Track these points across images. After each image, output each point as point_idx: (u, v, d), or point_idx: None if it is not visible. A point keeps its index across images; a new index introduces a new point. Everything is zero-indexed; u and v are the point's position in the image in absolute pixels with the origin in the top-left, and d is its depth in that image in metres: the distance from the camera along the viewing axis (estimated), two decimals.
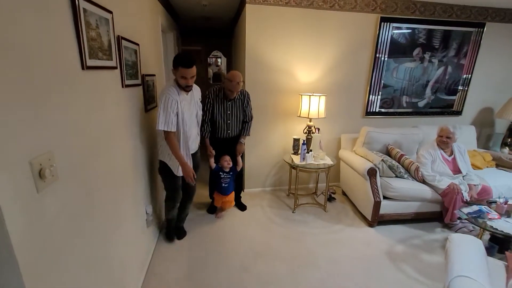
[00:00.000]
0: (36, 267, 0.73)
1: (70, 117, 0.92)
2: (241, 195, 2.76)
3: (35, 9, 0.77)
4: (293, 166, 2.56)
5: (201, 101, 2.01)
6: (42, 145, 0.78)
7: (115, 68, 1.28)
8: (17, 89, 0.70)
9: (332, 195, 2.89)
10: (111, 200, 1.21)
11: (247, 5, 2.51)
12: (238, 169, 2.38)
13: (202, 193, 2.93)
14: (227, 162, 2.31)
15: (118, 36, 1.33)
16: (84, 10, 1.00)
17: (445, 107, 3.13)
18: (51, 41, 0.83)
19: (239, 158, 2.38)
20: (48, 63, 0.81)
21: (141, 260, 1.69)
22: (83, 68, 0.99)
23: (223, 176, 2.34)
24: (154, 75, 2.11)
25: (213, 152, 2.30)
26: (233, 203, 2.46)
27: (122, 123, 1.38)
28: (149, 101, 1.96)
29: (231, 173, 2.34)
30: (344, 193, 2.96)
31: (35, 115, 0.75)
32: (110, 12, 1.22)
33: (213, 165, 2.34)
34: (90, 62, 1.03)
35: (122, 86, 1.38)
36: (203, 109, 2.23)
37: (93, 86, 1.08)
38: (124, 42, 1.38)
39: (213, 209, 2.53)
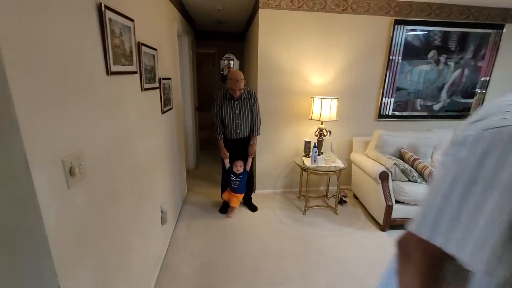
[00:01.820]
0: (66, 257, 0.79)
1: (96, 118, 0.97)
2: (252, 196, 2.81)
3: (68, 21, 0.84)
4: (304, 169, 2.58)
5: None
6: (72, 144, 0.84)
7: (135, 72, 1.33)
8: (53, 93, 0.76)
9: (343, 198, 2.89)
10: (130, 196, 1.26)
11: (260, 9, 2.56)
12: (248, 168, 2.43)
13: (214, 193, 2.98)
14: (237, 167, 2.38)
15: (138, 42, 1.38)
16: (110, 20, 1.06)
17: (462, 111, 3.05)
18: (81, 49, 0.90)
19: (249, 160, 2.42)
20: (78, 69, 0.88)
21: (155, 256, 1.74)
22: (107, 74, 1.04)
23: (233, 178, 2.40)
24: (170, 78, 2.17)
25: (227, 154, 2.35)
26: (238, 203, 2.48)
27: (141, 124, 1.42)
28: (166, 103, 2.00)
29: (241, 176, 2.40)
30: (355, 197, 2.96)
31: (66, 115, 0.81)
32: (132, 20, 1.29)
33: (228, 165, 2.40)
34: (114, 68, 1.09)
35: (141, 90, 1.43)
36: (212, 112, 2.28)
37: (116, 89, 1.12)
38: (143, 48, 1.44)
39: (224, 209, 2.58)
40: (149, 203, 1.58)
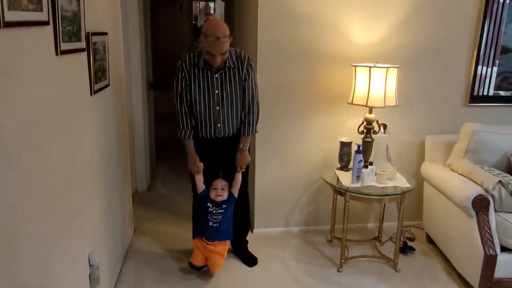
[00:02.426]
0: None
1: None
2: (247, 239, 2.78)
3: None
4: (339, 191, 2.55)
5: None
6: None
7: (46, 23, 1.32)
8: None
9: (409, 243, 2.84)
10: (32, 238, 1.22)
11: None
12: (235, 192, 2.42)
13: (180, 233, 2.98)
14: (218, 190, 2.36)
15: None
16: None
17: None
18: None
19: (239, 176, 2.42)
20: None
21: None
22: None
23: (212, 209, 2.38)
24: (105, 33, 2.16)
25: (201, 165, 2.37)
26: (221, 262, 2.47)
27: (54, 113, 1.42)
28: (98, 77, 1.97)
29: (224, 206, 2.38)
30: (429, 239, 2.94)
31: None
32: None
33: (201, 187, 2.40)
34: (10, 16, 1.08)
35: (57, 53, 1.43)
36: (175, 88, 2.31)
37: (11, 52, 1.12)
38: None
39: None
40: (67, 250, 1.57)
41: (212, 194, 2.36)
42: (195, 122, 2.36)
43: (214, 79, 2.28)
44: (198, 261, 2.45)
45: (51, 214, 1.42)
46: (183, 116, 2.33)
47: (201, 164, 2.36)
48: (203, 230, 2.42)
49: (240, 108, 2.36)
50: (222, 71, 2.28)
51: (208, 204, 2.37)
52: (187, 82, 2.28)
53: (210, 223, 2.37)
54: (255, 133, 2.44)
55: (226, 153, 2.42)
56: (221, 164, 2.46)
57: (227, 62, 2.25)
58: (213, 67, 2.24)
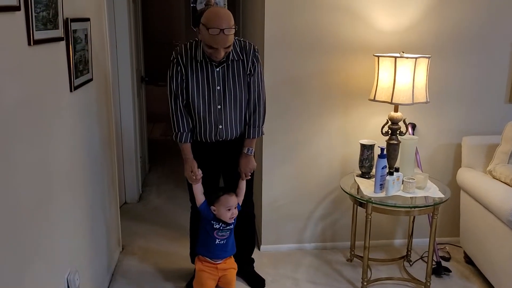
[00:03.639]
0: None
1: None
2: (253, 257, 2.77)
3: None
4: (360, 201, 2.52)
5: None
6: None
7: (17, 9, 1.31)
8: None
9: (443, 263, 2.82)
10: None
11: None
12: (240, 201, 2.36)
13: (176, 251, 2.97)
14: (230, 210, 2.25)
15: None
16: None
17: None
18: None
19: (243, 184, 2.38)
20: None
21: None
22: None
23: (217, 226, 2.31)
24: (88, 19, 2.17)
25: (199, 172, 2.32)
26: (236, 268, 2.44)
27: (27, 112, 1.44)
28: (79, 71, 1.98)
29: (233, 223, 2.33)
30: (468, 259, 2.91)
31: None
32: None
33: (200, 198, 2.33)
34: None
35: (30, 43, 1.44)
36: (169, 84, 2.30)
37: None
38: None
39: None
40: (41, 274, 1.57)
41: (226, 216, 2.25)
42: (192, 124, 2.33)
43: (215, 73, 2.25)
44: (200, 278, 2.37)
45: (20, 232, 1.40)
46: (178, 117, 2.29)
47: (200, 171, 2.31)
48: (207, 249, 2.34)
49: (245, 107, 2.34)
50: (225, 64, 2.25)
51: (212, 221, 2.30)
52: (183, 77, 2.26)
53: (217, 241, 2.31)
54: (261, 135, 2.41)
55: (228, 160, 2.40)
56: (221, 172, 2.45)
57: (230, 54, 2.22)
58: (214, 60, 2.20)
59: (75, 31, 1.92)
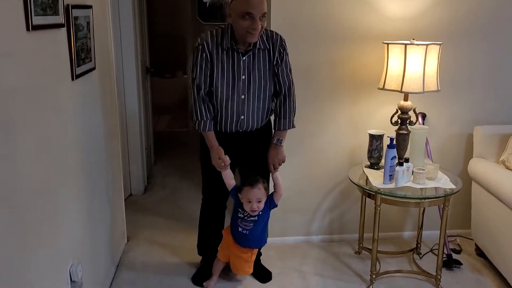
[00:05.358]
0: None
1: None
2: (260, 250, 2.76)
3: None
4: (369, 193, 2.52)
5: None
6: None
7: None
8: None
9: (454, 255, 2.81)
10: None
11: None
12: (277, 200, 2.39)
13: (182, 244, 2.98)
14: (253, 204, 2.27)
15: None
16: None
17: None
18: None
19: (278, 177, 2.38)
20: None
21: None
22: None
23: (241, 215, 2.35)
24: (90, 6, 2.17)
25: (227, 159, 2.30)
26: (251, 269, 2.49)
27: (26, 102, 1.44)
28: (81, 59, 1.98)
29: (260, 211, 2.34)
30: (479, 252, 2.91)
31: None
32: None
33: (231, 183, 2.36)
34: None
35: (28, 28, 1.42)
36: (193, 71, 2.31)
37: None
38: None
39: (202, 275, 2.61)
40: (43, 265, 1.57)
41: (247, 207, 2.29)
42: (213, 113, 2.34)
43: (241, 62, 2.25)
44: (222, 256, 2.52)
45: (21, 224, 1.40)
46: (201, 105, 2.29)
47: (227, 157, 2.30)
48: (232, 229, 2.43)
49: (268, 99, 2.35)
50: (251, 53, 2.25)
51: (239, 209, 2.36)
52: (209, 64, 2.25)
53: (240, 229, 2.36)
54: (292, 127, 2.40)
55: (245, 152, 2.41)
56: (238, 165, 2.44)
57: (257, 43, 2.23)
58: (240, 48, 2.22)
59: (76, 18, 1.91)
